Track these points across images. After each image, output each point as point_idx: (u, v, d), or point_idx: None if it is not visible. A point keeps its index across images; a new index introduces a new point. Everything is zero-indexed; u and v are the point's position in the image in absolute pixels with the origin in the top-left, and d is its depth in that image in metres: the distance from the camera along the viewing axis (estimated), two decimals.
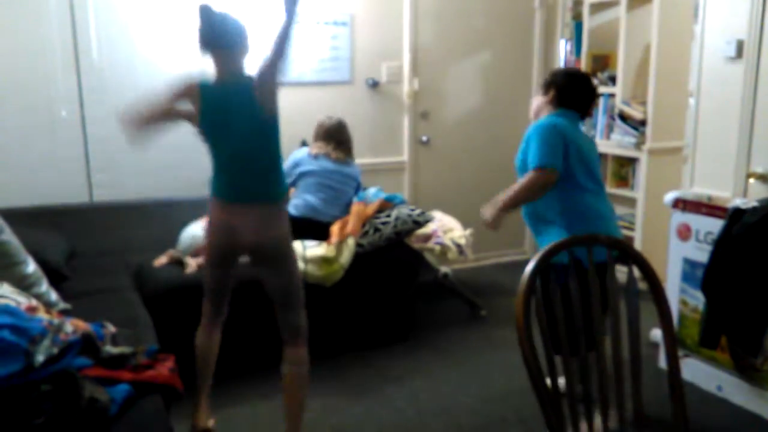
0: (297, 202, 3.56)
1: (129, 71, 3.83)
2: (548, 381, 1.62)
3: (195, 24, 2.42)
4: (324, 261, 3.35)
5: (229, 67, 2.44)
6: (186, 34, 3.87)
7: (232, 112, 2.41)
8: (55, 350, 1.87)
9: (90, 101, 3.78)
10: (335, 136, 3.74)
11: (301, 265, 3.30)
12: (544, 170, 2.55)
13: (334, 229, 3.51)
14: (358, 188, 3.83)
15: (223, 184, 2.50)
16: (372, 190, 3.86)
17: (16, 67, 3.61)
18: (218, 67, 2.44)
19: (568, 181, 2.62)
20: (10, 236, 2.62)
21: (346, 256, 3.41)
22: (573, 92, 2.77)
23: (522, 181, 2.63)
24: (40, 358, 1.81)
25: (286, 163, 3.60)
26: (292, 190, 3.64)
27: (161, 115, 2.46)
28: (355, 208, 3.64)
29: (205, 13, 2.40)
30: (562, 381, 1.87)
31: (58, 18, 3.65)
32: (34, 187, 3.71)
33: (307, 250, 3.36)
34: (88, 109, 3.79)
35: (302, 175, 3.64)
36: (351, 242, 3.46)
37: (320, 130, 3.77)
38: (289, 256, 2.55)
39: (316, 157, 3.68)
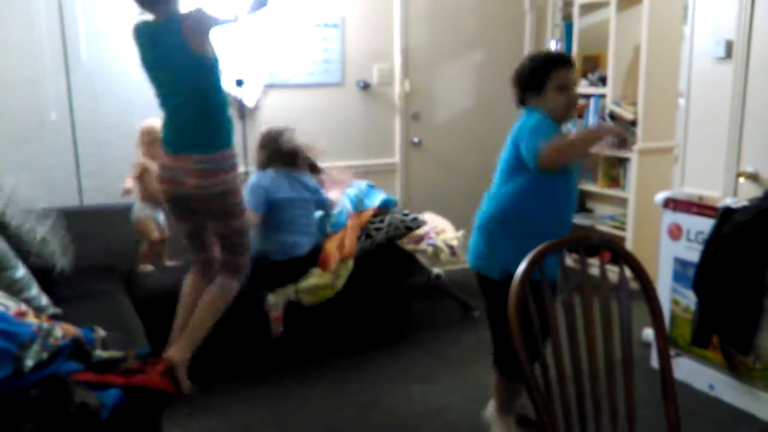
0: (274, 247, 3.32)
1: (118, 74, 3.81)
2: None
3: None
4: (317, 289, 3.33)
5: (161, 9, 2.49)
6: None
7: (161, 52, 2.48)
8: (45, 355, 1.86)
9: (79, 105, 3.76)
10: (290, 148, 3.44)
11: (292, 296, 3.31)
12: None
13: (332, 248, 3.43)
14: (319, 194, 3.54)
15: (166, 133, 2.58)
16: (362, 186, 3.81)
17: (4, 70, 3.59)
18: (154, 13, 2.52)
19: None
20: None
21: (343, 279, 3.39)
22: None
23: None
24: (29, 363, 1.80)
25: (248, 189, 3.30)
26: (257, 215, 3.27)
27: None
28: (350, 222, 3.56)
29: None
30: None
31: (47, 21, 3.63)
32: (23, 190, 3.68)
33: (299, 283, 3.33)
34: (77, 113, 3.77)
35: (271, 207, 3.32)
36: (350, 263, 3.43)
37: (272, 144, 3.41)
38: (232, 210, 2.59)
39: (276, 177, 3.35)
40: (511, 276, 2.28)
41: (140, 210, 3.41)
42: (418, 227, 3.70)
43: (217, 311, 2.69)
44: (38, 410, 1.72)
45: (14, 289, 2.48)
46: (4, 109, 3.62)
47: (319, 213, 3.60)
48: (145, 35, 2.52)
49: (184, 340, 2.63)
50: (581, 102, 4.62)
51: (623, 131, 2.38)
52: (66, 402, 1.76)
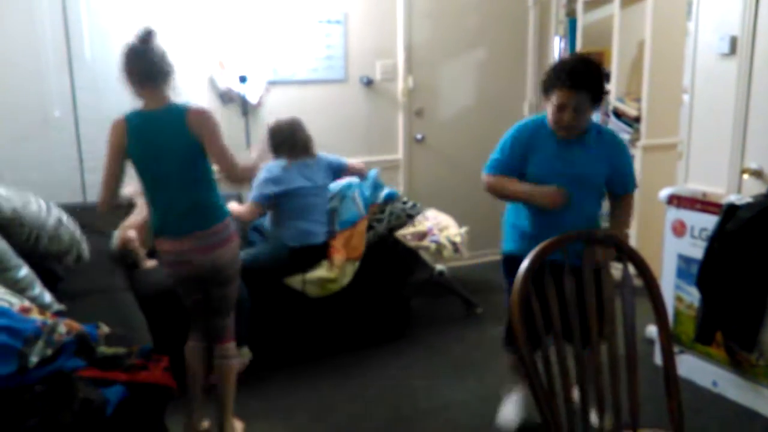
0: (290, 232, 3.36)
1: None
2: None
3: (120, 62, 2.43)
4: (324, 281, 3.35)
5: (158, 95, 2.46)
6: (179, 33, 3.86)
7: (160, 140, 2.45)
8: (49, 351, 1.86)
9: (83, 101, 3.77)
10: (299, 138, 3.48)
11: (299, 285, 3.33)
12: None
13: (337, 245, 3.44)
14: (337, 170, 3.64)
15: (163, 220, 2.54)
16: (372, 174, 3.82)
17: (8, 67, 3.59)
18: (146, 99, 2.46)
19: None
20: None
21: (349, 277, 3.41)
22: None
23: (628, 205, 2.75)
24: (34, 359, 1.80)
25: (258, 179, 3.35)
26: (255, 206, 3.40)
27: (114, 177, 2.54)
28: (360, 228, 3.55)
29: (130, 50, 2.43)
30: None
31: (50, 17, 3.63)
32: (27, 187, 3.68)
33: (307, 274, 3.34)
34: (81, 110, 3.77)
35: (282, 196, 3.37)
36: (357, 263, 3.45)
37: (279, 137, 3.44)
38: (237, 270, 2.65)
39: (289, 168, 3.42)
40: (505, 255, 2.62)
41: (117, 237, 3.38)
42: (418, 213, 3.73)
43: (235, 378, 2.75)
44: (42, 406, 1.73)
45: (17, 289, 2.47)
46: (8, 106, 3.62)
47: (339, 184, 3.64)
48: (136, 126, 2.46)
49: (226, 415, 2.71)
50: None
51: (559, 199, 2.49)
52: (70, 398, 1.76)
